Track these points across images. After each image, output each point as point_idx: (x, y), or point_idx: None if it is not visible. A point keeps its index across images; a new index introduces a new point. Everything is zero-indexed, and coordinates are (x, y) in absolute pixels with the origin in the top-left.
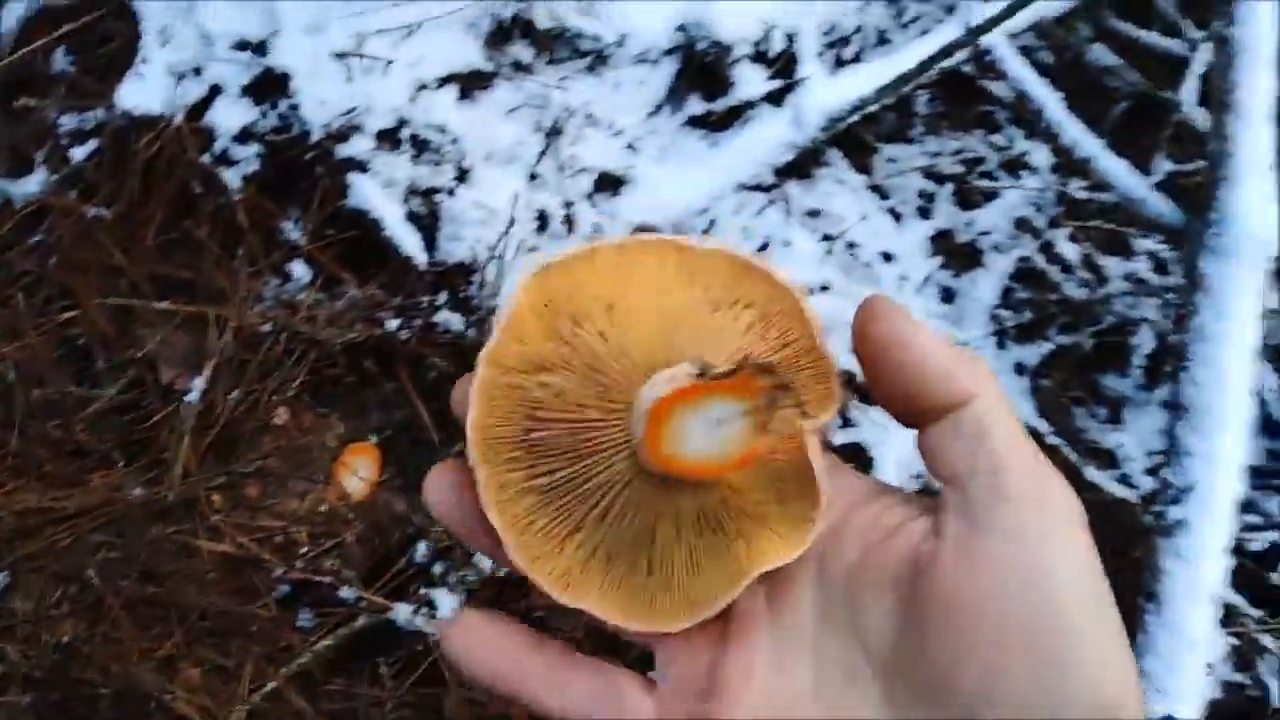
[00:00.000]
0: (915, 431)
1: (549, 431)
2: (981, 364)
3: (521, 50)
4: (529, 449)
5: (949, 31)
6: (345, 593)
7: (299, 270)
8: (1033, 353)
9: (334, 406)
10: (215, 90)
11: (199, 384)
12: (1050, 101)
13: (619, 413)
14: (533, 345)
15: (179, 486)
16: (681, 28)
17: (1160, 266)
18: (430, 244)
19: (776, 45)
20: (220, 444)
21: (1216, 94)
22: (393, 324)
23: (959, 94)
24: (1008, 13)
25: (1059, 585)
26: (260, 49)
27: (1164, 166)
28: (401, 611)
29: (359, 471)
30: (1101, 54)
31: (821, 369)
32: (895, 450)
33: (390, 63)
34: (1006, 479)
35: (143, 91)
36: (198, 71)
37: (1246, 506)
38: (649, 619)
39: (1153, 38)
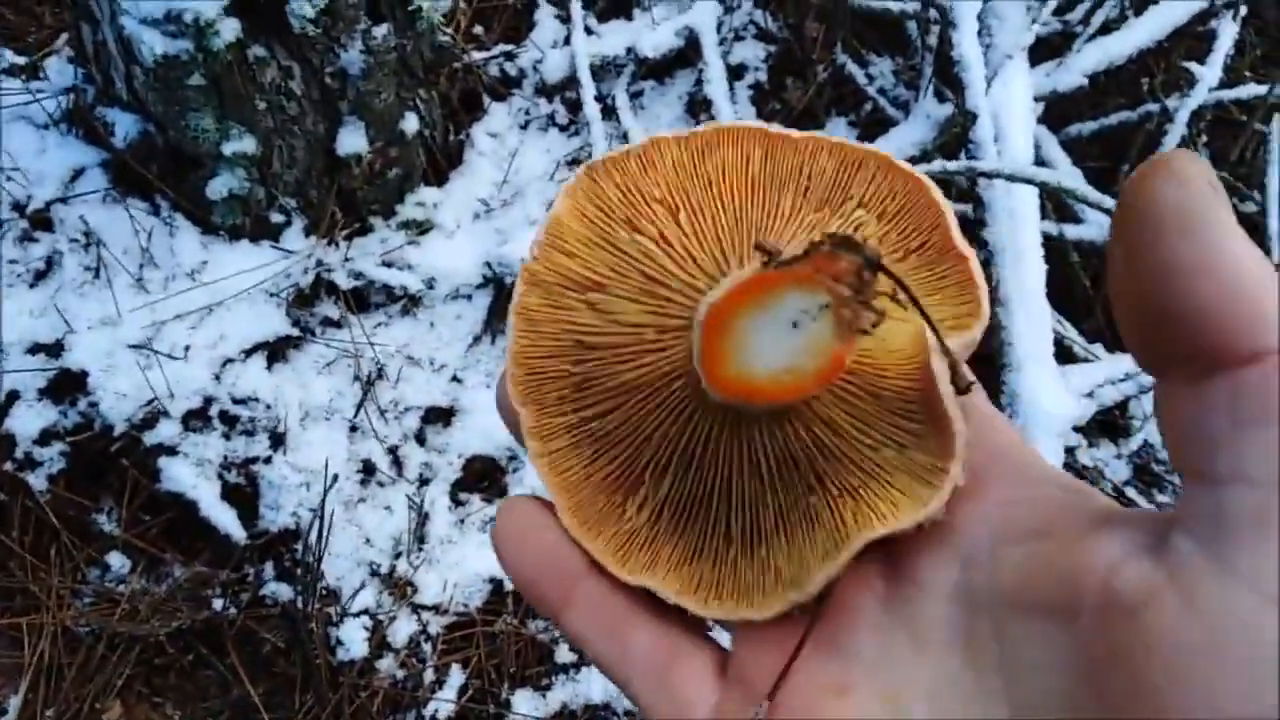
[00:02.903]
0: (1153, 383)
1: (600, 360)
2: None
3: (328, 307)
4: (578, 385)
5: None
6: None
7: (117, 560)
8: None
9: (167, 695)
10: (13, 396)
11: (15, 702)
12: None
13: (680, 332)
14: (579, 257)
15: None
16: (488, 264)
17: None
18: (252, 515)
19: None
20: None
21: (991, 289)
22: (219, 603)
23: None
24: None
25: None
26: (55, 350)
27: None
28: None
29: None
30: None
31: (960, 275)
32: None
33: (188, 348)
34: None
35: None
36: None
37: None
38: (729, 600)
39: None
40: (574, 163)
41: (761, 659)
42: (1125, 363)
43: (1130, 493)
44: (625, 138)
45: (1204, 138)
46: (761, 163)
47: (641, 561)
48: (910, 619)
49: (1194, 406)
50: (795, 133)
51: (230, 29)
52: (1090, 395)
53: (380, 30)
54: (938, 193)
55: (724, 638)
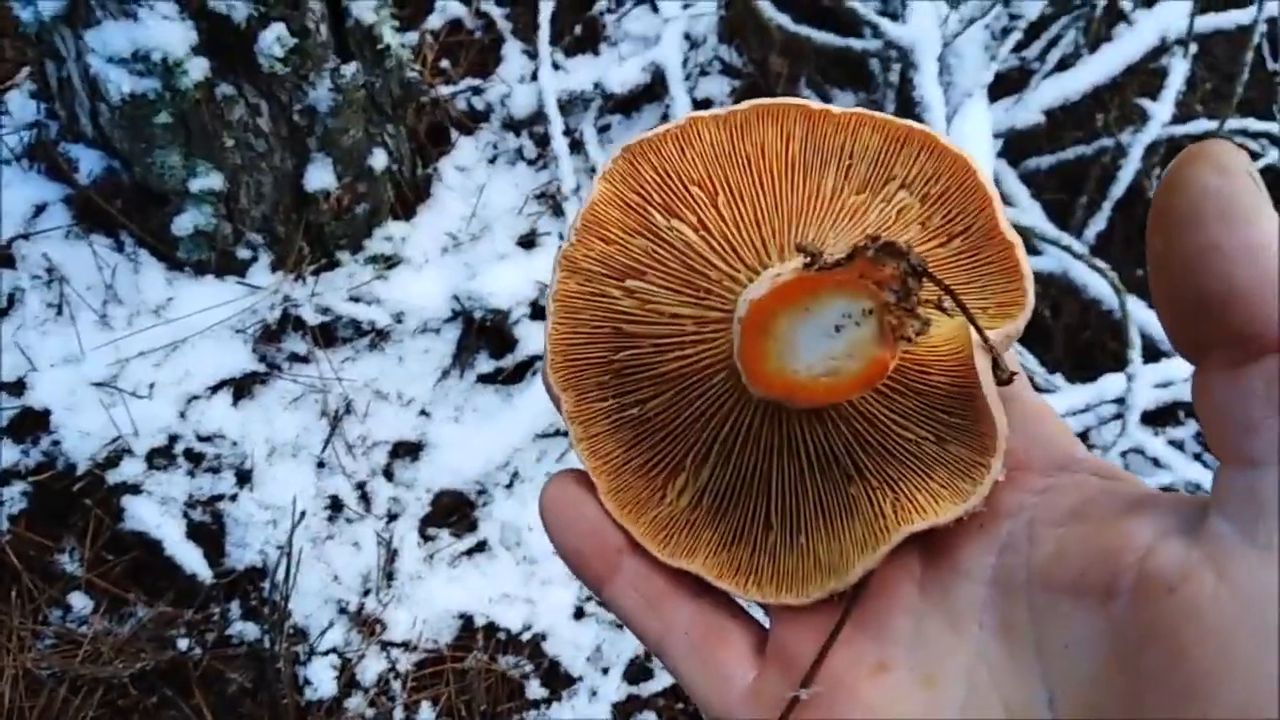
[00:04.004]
0: (1192, 369)
1: (639, 349)
2: None
3: (295, 343)
4: (618, 372)
5: None
6: None
7: (79, 601)
8: None
9: None
10: None
11: None
12: None
13: (720, 324)
14: (618, 243)
15: None
16: (456, 298)
17: None
18: (218, 553)
19: None
20: None
21: None
22: (183, 643)
23: None
24: None
25: None
26: (16, 389)
27: None
28: None
29: None
30: None
31: (1005, 262)
32: None
33: (153, 385)
34: None
35: None
36: None
37: None
38: (769, 586)
39: None
40: (541, 196)
41: (801, 639)
42: (1085, 393)
43: None
44: (593, 172)
45: (1158, 171)
46: (802, 141)
47: (683, 545)
48: (947, 602)
49: (1230, 391)
50: (837, 109)
51: (198, 68)
52: None
53: (349, 69)
54: (984, 175)
55: (762, 615)
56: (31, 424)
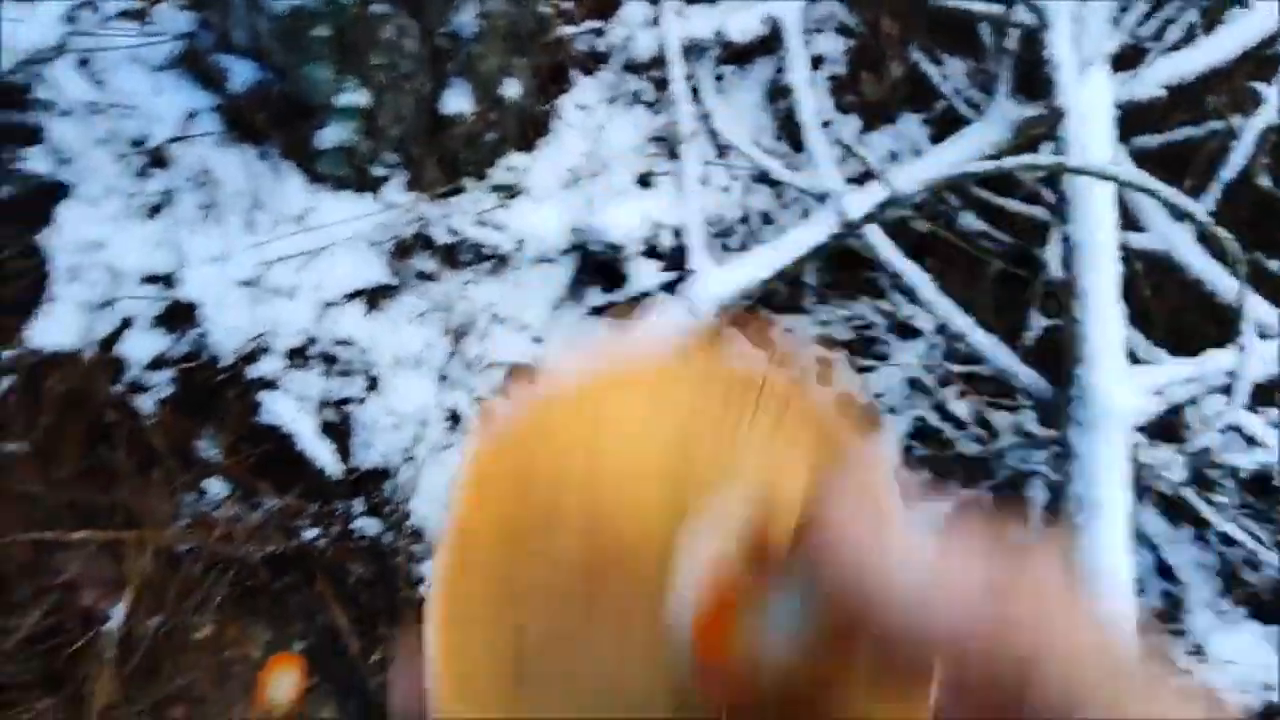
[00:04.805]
0: None
1: (543, 654)
2: None
3: (424, 261)
4: (521, 677)
5: (826, 218)
6: None
7: (216, 487)
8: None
9: (256, 616)
10: (126, 323)
11: (119, 610)
12: (922, 284)
13: (636, 600)
14: (498, 521)
15: None
16: (576, 230)
17: (1047, 418)
18: (344, 453)
19: (667, 240)
20: (143, 668)
21: (1067, 283)
22: (310, 533)
23: (844, 264)
24: (879, 210)
25: None
26: (168, 281)
27: (1040, 323)
28: None
29: (284, 682)
30: (971, 220)
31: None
32: None
33: (294, 288)
34: None
35: (53, 329)
36: (107, 305)
37: None
38: None
39: (1015, 204)
40: (658, 139)
41: None
42: (1190, 367)
43: (1187, 494)
44: (707, 118)
45: (1266, 159)
46: (652, 396)
47: None
48: None
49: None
50: (676, 361)
51: None
52: (1160, 394)
53: None
54: (844, 378)
55: None
56: (181, 316)
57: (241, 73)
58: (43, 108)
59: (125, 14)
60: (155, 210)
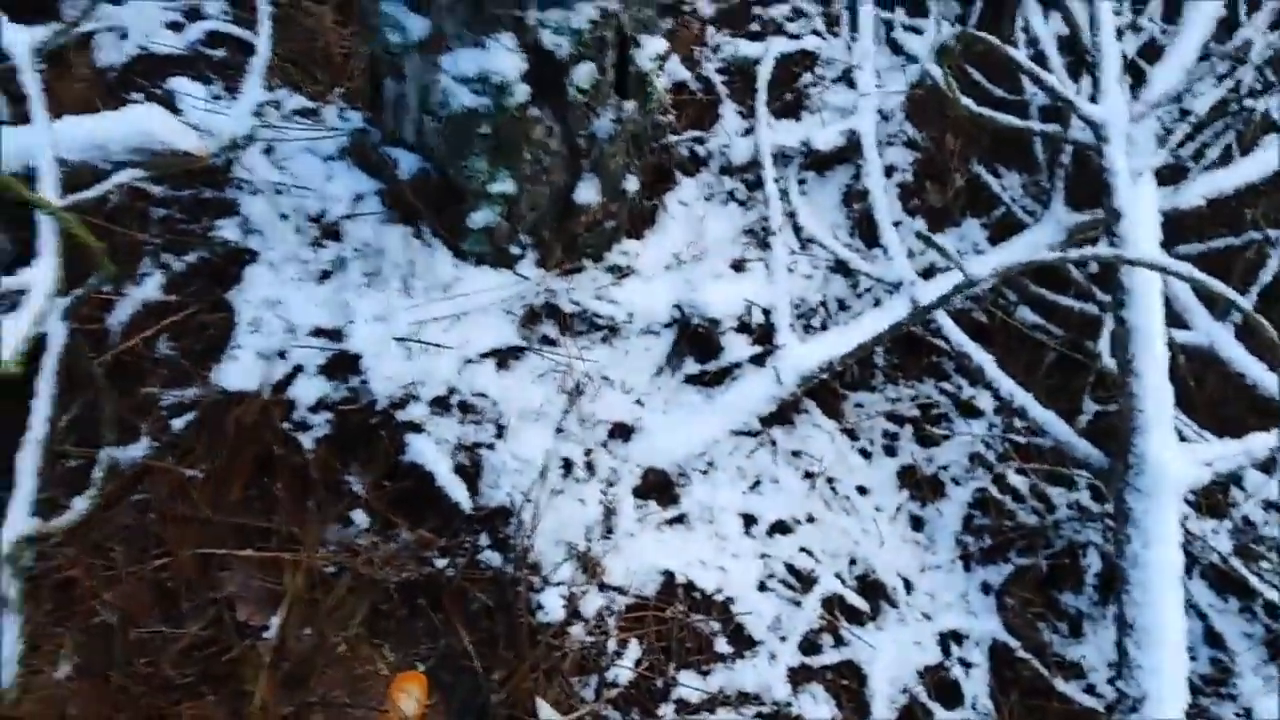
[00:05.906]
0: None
1: None
2: None
3: (548, 328)
4: None
5: (897, 305)
6: None
7: (359, 517)
8: (996, 573)
9: (386, 637)
10: (297, 369)
11: (275, 621)
12: (986, 362)
13: None
14: None
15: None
16: (678, 306)
17: (1098, 495)
18: (473, 491)
19: (756, 318)
20: (291, 676)
21: (1120, 361)
22: (440, 562)
23: (911, 349)
24: (948, 297)
25: None
26: (335, 335)
27: (1091, 408)
28: None
29: (411, 697)
30: (1026, 314)
31: None
32: (887, 669)
33: (440, 345)
34: None
35: (235, 371)
36: (282, 355)
37: (1199, 712)
38: None
39: (1067, 300)
40: (750, 231)
41: None
42: (1236, 445)
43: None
44: (793, 215)
45: None
46: None
47: None
48: None
49: None
50: None
51: (522, 91)
52: (1209, 465)
53: (629, 105)
54: None
55: None
56: (344, 366)
57: (408, 163)
58: (237, 186)
59: (300, 111)
60: (326, 275)
